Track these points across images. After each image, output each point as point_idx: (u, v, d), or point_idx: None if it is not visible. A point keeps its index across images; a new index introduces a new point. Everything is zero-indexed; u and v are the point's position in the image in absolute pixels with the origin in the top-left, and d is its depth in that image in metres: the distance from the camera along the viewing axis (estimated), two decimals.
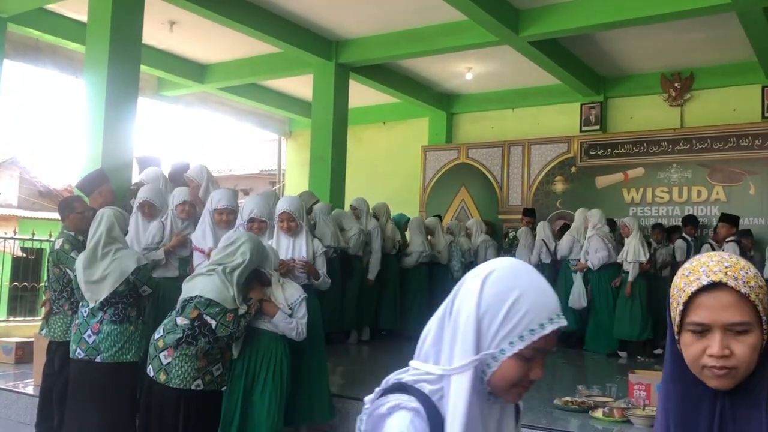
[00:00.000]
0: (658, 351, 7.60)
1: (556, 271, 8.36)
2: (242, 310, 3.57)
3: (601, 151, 10.11)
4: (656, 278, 7.92)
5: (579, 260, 7.98)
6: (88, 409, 3.79)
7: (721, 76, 9.68)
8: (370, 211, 8.04)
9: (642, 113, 10.33)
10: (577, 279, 7.92)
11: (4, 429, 4.88)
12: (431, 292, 8.28)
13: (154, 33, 8.78)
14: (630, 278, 7.46)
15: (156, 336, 3.59)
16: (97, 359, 3.82)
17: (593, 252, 7.72)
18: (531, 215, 9.70)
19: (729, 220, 7.83)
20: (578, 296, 7.84)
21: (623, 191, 9.84)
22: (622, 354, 7.58)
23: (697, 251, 7.73)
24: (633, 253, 7.41)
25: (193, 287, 3.58)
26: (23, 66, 8.99)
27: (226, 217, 4.51)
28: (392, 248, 8.09)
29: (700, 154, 9.33)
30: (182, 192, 4.98)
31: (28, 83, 49.41)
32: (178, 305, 3.61)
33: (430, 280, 8.46)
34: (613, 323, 7.62)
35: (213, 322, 3.49)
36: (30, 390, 5.33)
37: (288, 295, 3.76)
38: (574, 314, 7.78)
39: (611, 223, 8.21)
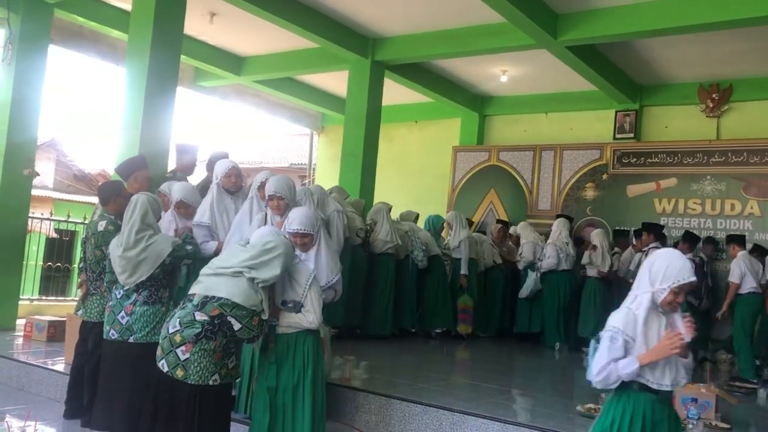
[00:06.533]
0: None
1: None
2: (265, 315, 3.48)
3: (634, 159, 10.01)
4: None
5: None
6: (119, 388, 3.88)
7: (760, 89, 9.53)
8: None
9: (677, 123, 10.21)
10: (531, 276, 8.88)
11: (35, 404, 5.00)
12: (397, 283, 7.77)
13: (195, 24, 8.91)
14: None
15: (171, 330, 3.40)
16: (131, 339, 3.92)
17: (546, 258, 8.74)
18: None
19: (650, 229, 8.32)
20: (525, 289, 8.90)
21: (654, 201, 9.73)
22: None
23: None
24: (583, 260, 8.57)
25: (217, 287, 3.42)
26: (66, 51, 9.18)
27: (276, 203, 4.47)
28: (356, 238, 7.20)
29: (736, 167, 9.20)
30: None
31: (70, 68, 50.34)
32: (197, 300, 3.42)
33: (395, 273, 7.75)
34: (558, 323, 8.59)
35: (238, 325, 3.37)
36: (60, 368, 5.46)
37: (300, 280, 3.65)
38: (530, 317, 8.89)
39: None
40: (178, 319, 3.41)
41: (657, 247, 7.85)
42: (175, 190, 4.97)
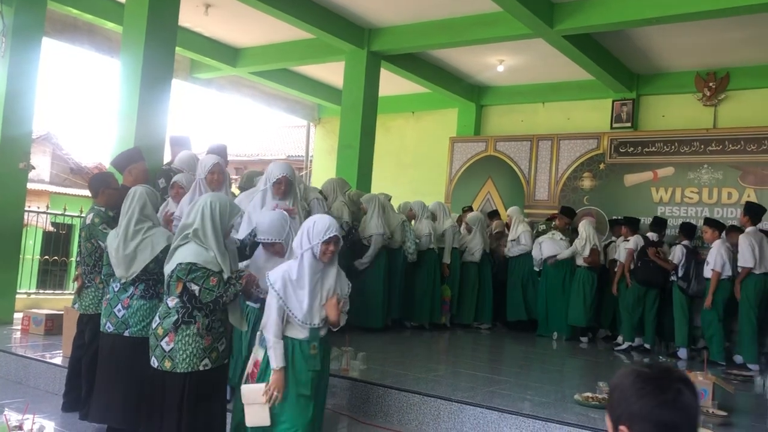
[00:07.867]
0: (622, 346, 8.01)
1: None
2: (227, 274, 3.39)
3: (632, 148, 10.00)
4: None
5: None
6: (116, 381, 3.88)
7: (757, 77, 9.53)
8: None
9: (674, 112, 10.20)
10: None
11: (33, 397, 5.01)
12: (388, 275, 7.62)
13: (190, 15, 8.88)
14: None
15: (153, 325, 3.46)
16: (126, 333, 3.91)
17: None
18: (570, 215, 9.35)
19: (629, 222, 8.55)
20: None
21: (652, 190, 9.73)
22: (583, 339, 8.50)
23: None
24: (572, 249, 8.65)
25: (173, 261, 3.42)
26: (61, 44, 9.14)
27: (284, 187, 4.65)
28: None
29: (733, 156, 9.19)
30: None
31: (65, 60, 50.13)
32: (165, 287, 3.47)
33: (387, 264, 7.61)
34: (543, 311, 8.69)
35: (196, 288, 3.32)
36: (58, 361, 5.45)
37: (342, 286, 3.52)
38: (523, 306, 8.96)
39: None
40: (158, 313, 3.49)
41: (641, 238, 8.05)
42: (207, 157, 4.94)
